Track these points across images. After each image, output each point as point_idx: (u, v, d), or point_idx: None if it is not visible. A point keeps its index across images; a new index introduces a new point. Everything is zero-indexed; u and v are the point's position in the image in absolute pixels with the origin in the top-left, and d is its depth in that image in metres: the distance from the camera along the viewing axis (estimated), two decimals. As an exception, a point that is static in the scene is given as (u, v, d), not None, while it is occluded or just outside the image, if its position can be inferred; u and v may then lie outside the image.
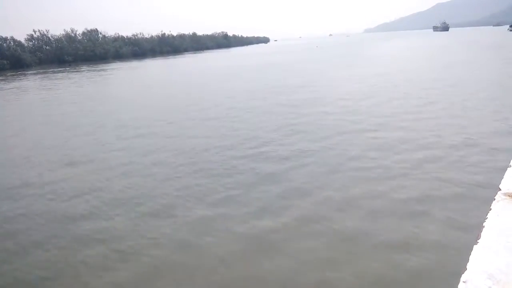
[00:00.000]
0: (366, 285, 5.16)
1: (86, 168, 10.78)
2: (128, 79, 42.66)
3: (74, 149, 12.94)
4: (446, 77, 25.13)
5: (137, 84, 36.33)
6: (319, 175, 8.98)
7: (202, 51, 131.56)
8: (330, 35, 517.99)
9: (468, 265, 1.26)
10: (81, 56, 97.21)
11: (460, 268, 1.25)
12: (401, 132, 12.37)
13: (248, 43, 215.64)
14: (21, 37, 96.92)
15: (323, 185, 8.41)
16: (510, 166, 2.00)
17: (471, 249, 1.35)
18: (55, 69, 65.72)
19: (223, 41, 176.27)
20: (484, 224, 1.55)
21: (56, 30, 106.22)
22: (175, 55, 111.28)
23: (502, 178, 1.91)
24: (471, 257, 1.31)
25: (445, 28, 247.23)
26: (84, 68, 65.46)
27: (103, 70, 58.11)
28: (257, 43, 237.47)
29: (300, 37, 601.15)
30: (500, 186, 1.86)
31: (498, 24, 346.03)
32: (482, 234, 1.47)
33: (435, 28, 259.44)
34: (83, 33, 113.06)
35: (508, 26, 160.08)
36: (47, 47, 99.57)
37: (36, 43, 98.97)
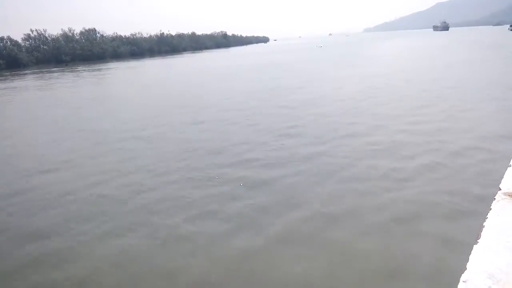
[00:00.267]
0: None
1: (60, 176, 10.02)
2: (122, 80, 41.89)
3: (51, 155, 12.17)
4: (446, 77, 24.36)
5: (130, 85, 35.57)
6: (310, 186, 8.22)
7: (201, 51, 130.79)
8: (330, 34, 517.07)
9: (468, 265, 1.26)
10: (78, 55, 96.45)
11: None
12: (400, 136, 11.61)
13: (247, 42, 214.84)
14: (20, 37, 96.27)
15: (312, 197, 7.65)
16: (510, 166, 1.99)
17: (471, 249, 1.34)
18: (51, 69, 64.99)
19: (222, 41, 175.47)
20: (484, 223, 1.55)
21: (56, 30, 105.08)
22: (173, 54, 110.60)
23: (502, 177, 1.90)
24: (471, 257, 1.31)
25: (445, 27, 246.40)
26: (80, 68, 64.70)
27: (98, 70, 57.38)
28: (257, 42, 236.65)
29: (300, 36, 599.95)
30: (500, 186, 1.85)
31: (498, 24, 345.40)
32: (482, 233, 1.47)
33: (435, 28, 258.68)
34: (81, 33, 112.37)
35: (508, 26, 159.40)
36: (45, 47, 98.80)
37: (33, 42, 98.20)
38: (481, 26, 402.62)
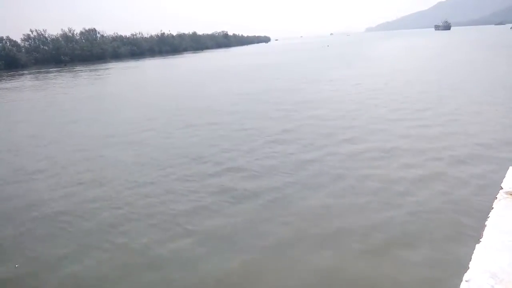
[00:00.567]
0: None
1: (30, 187, 9.38)
2: (117, 81, 41.31)
3: (28, 162, 11.58)
4: (448, 78, 23.71)
5: (124, 86, 35.00)
6: (298, 201, 7.58)
7: (201, 51, 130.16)
8: (331, 34, 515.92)
9: (471, 264, 1.25)
10: (78, 56, 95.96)
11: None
12: (399, 142, 11.01)
13: (248, 42, 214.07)
14: (20, 37, 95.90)
15: (300, 214, 7.03)
16: None
17: (474, 248, 1.31)
18: (49, 70, 64.43)
19: (223, 41, 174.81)
20: (486, 223, 1.55)
21: (58, 30, 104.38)
22: (174, 54, 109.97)
23: (504, 177, 1.91)
24: (473, 256, 1.30)
25: (447, 27, 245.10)
26: (78, 68, 64.15)
27: (95, 70, 56.83)
28: (258, 42, 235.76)
29: (302, 36, 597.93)
30: (502, 185, 1.85)
31: (500, 23, 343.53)
32: (484, 233, 1.47)
33: (437, 27, 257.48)
34: (81, 33, 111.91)
35: (510, 25, 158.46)
36: (44, 47, 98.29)
37: (32, 43, 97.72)
38: (483, 26, 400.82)
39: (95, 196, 8.51)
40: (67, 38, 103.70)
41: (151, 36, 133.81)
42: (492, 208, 1.63)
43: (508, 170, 2.03)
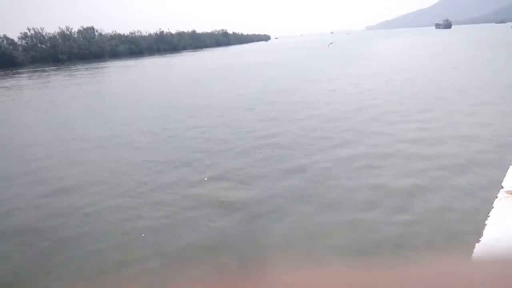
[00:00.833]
0: None
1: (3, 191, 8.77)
2: (110, 81, 40.67)
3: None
4: (450, 78, 23.00)
5: (117, 86, 34.36)
6: (280, 220, 6.89)
7: (201, 49, 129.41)
8: (332, 32, 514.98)
9: None
10: (76, 54, 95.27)
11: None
12: (398, 147, 10.36)
13: (248, 41, 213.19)
14: (17, 35, 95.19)
15: (279, 240, 6.34)
16: None
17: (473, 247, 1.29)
18: (44, 68, 63.72)
19: (222, 39, 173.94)
20: (486, 222, 1.54)
21: (57, 29, 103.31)
22: (173, 53, 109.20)
23: (505, 176, 1.90)
24: (473, 256, 1.29)
25: (448, 25, 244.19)
26: (74, 67, 63.42)
27: (91, 69, 56.15)
28: (258, 41, 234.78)
29: (302, 35, 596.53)
30: (503, 184, 1.85)
31: (501, 21, 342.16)
32: (484, 232, 1.47)
33: (438, 26, 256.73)
34: (79, 31, 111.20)
35: (511, 24, 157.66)
36: (42, 46, 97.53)
37: (30, 41, 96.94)
38: (484, 24, 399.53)
39: (63, 206, 7.85)
40: (64, 36, 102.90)
41: (150, 35, 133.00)
42: (493, 207, 1.59)
43: (509, 170, 1.97)
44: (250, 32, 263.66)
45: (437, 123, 12.64)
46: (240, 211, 7.28)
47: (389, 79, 24.02)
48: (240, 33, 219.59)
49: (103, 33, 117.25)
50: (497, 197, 1.72)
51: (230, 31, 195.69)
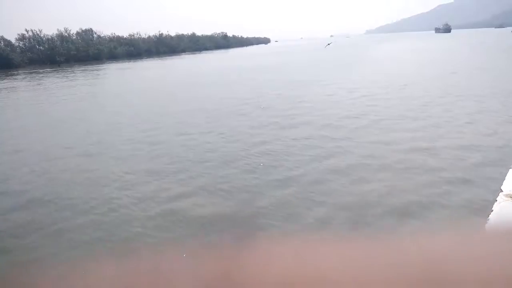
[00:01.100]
0: None
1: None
2: (101, 84, 40.00)
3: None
4: (451, 86, 22.20)
5: (105, 90, 33.67)
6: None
7: (200, 52, 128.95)
8: (331, 36, 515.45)
9: None
10: (74, 56, 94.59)
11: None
12: (396, 168, 9.66)
13: (248, 43, 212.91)
14: (15, 37, 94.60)
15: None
16: None
17: None
18: (39, 70, 62.99)
19: (222, 42, 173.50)
20: (485, 224, 1.60)
21: (56, 30, 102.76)
22: (172, 55, 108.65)
23: (504, 179, 1.91)
24: None
25: (447, 29, 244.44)
26: (69, 69, 62.82)
27: (85, 71, 55.50)
28: (257, 43, 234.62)
29: (302, 38, 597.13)
30: (502, 188, 1.88)
31: (500, 26, 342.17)
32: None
33: (437, 30, 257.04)
34: (77, 33, 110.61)
35: (511, 28, 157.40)
36: (40, 47, 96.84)
37: (27, 42, 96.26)
38: (483, 28, 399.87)
39: (24, 224, 7.12)
40: (62, 38, 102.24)
41: (149, 37, 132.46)
42: (492, 210, 1.60)
43: (508, 173, 2.02)
44: (250, 35, 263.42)
45: (436, 130, 11.96)
46: (217, 232, 6.57)
47: (387, 84, 23.34)
48: (240, 36, 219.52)
49: (102, 35, 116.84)
50: (496, 200, 1.71)
51: (230, 34, 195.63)
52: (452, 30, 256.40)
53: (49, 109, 21.64)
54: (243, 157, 10.38)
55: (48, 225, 7.16)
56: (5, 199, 8.42)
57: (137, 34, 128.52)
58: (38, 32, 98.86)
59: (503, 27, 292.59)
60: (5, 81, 45.77)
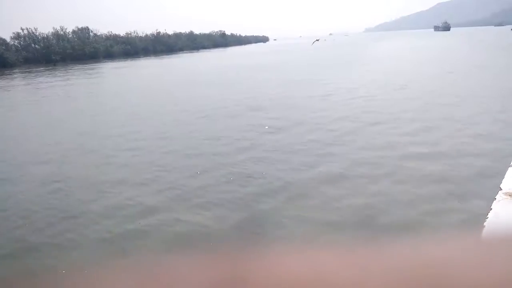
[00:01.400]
0: None
1: None
2: (89, 85, 39.21)
3: None
4: (449, 87, 21.36)
5: (91, 93, 32.87)
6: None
7: (198, 51, 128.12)
8: (330, 34, 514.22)
9: None
10: (69, 55, 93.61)
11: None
12: (391, 180, 8.89)
13: (246, 42, 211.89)
14: (10, 35, 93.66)
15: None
16: (511, 166, 2.02)
17: None
18: (32, 69, 62.04)
19: (220, 40, 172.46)
20: (484, 223, 1.58)
21: (53, 29, 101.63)
22: (169, 54, 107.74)
23: (503, 177, 1.90)
24: None
25: (447, 28, 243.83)
26: (63, 68, 61.91)
27: (78, 70, 54.68)
28: (256, 42, 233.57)
29: (300, 36, 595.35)
30: (501, 186, 1.87)
31: (499, 24, 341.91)
32: (483, 233, 1.42)
33: (436, 28, 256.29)
34: (73, 32, 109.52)
35: (511, 26, 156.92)
36: (36, 46, 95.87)
37: (23, 41, 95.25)
38: (483, 26, 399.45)
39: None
40: (58, 36, 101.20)
41: (147, 35, 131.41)
42: (491, 208, 1.59)
43: (507, 171, 1.95)
44: (249, 33, 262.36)
45: (436, 130, 11.27)
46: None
47: (385, 84, 22.61)
48: (238, 34, 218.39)
49: (98, 34, 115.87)
50: (495, 198, 1.67)
51: (228, 32, 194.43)
52: (451, 28, 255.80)
53: (27, 111, 20.87)
54: (242, 160, 9.68)
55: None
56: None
57: (134, 33, 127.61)
58: (34, 31, 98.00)
59: (503, 25, 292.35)
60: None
